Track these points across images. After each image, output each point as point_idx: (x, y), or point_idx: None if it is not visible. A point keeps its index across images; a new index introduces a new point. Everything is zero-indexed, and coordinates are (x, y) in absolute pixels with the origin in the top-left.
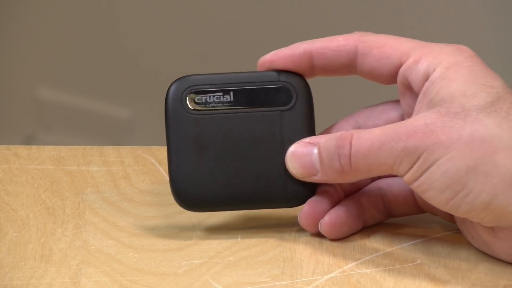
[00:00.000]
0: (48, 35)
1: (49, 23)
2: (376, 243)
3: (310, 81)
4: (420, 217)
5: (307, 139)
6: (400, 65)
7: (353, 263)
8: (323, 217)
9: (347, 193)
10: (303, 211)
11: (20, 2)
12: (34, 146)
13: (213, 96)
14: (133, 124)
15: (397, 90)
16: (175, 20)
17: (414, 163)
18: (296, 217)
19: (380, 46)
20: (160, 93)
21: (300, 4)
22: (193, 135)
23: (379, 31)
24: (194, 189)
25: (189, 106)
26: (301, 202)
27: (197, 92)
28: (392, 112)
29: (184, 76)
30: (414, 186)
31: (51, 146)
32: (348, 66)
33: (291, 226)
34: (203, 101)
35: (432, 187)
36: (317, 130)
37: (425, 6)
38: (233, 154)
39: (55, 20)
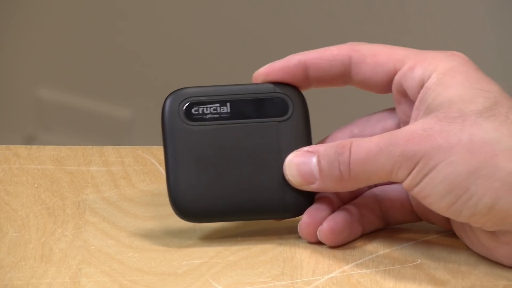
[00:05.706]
0: (48, 35)
1: (49, 23)
2: (376, 243)
3: (305, 92)
4: None
5: (305, 148)
6: (395, 73)
7: (353, 263)
8: None
9: (344, 202)
10: (303, 221)
11: (20, 2)
12: (34, 146)
13: (210, 107)
14: (133, 124)
15: (391, 99)
16: (175, 20)
17: (413, 169)
18: (295, 218)
19: (374, 55)
20: (160, 93)
21: (297, 14)
22: (191, 147)
23: (380, 36)
24: (192, 201)
25: (186, 118)
26: (300, 212)
27: (194, 104)
28: (388, 120)
29: (180, 89)
30: (414, 192)
31: (51, 146)
32: (342, 76)
33: (292, 226)
34: (200, 112)
35: (433, 192)
36: (313, 140)
37: (425, 11)
38: (230, 165)
39: (55, 20)
